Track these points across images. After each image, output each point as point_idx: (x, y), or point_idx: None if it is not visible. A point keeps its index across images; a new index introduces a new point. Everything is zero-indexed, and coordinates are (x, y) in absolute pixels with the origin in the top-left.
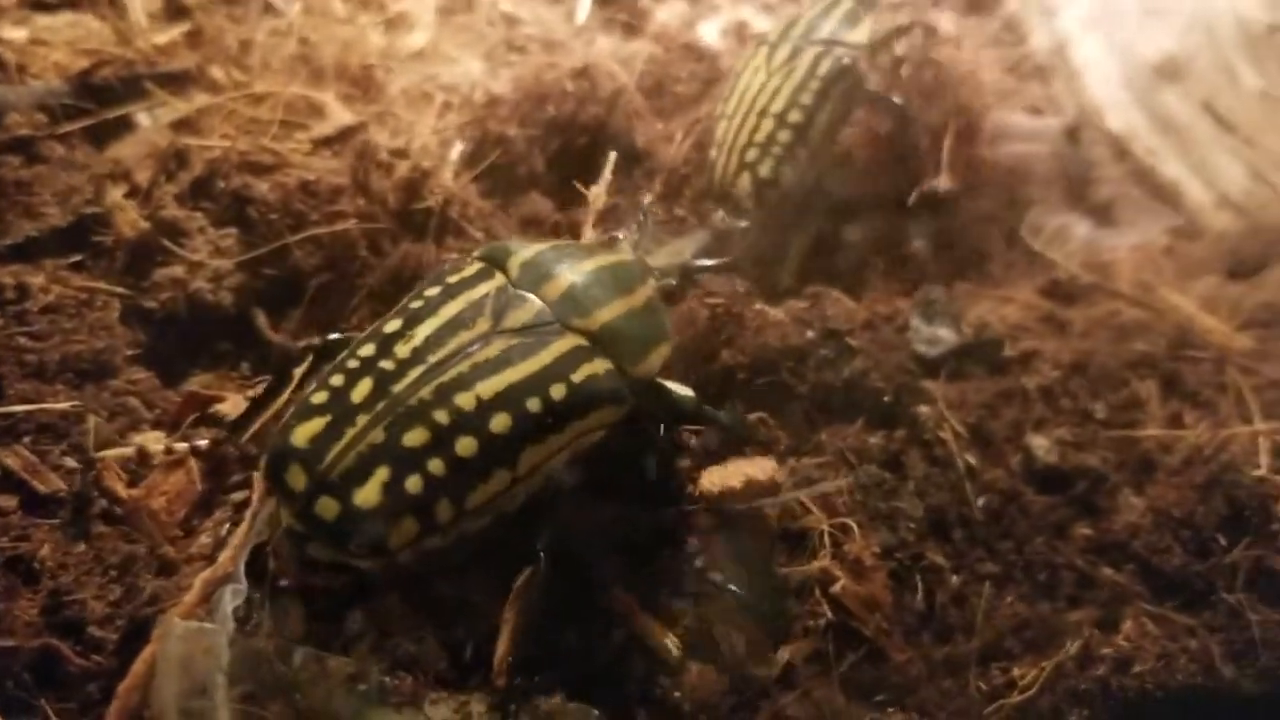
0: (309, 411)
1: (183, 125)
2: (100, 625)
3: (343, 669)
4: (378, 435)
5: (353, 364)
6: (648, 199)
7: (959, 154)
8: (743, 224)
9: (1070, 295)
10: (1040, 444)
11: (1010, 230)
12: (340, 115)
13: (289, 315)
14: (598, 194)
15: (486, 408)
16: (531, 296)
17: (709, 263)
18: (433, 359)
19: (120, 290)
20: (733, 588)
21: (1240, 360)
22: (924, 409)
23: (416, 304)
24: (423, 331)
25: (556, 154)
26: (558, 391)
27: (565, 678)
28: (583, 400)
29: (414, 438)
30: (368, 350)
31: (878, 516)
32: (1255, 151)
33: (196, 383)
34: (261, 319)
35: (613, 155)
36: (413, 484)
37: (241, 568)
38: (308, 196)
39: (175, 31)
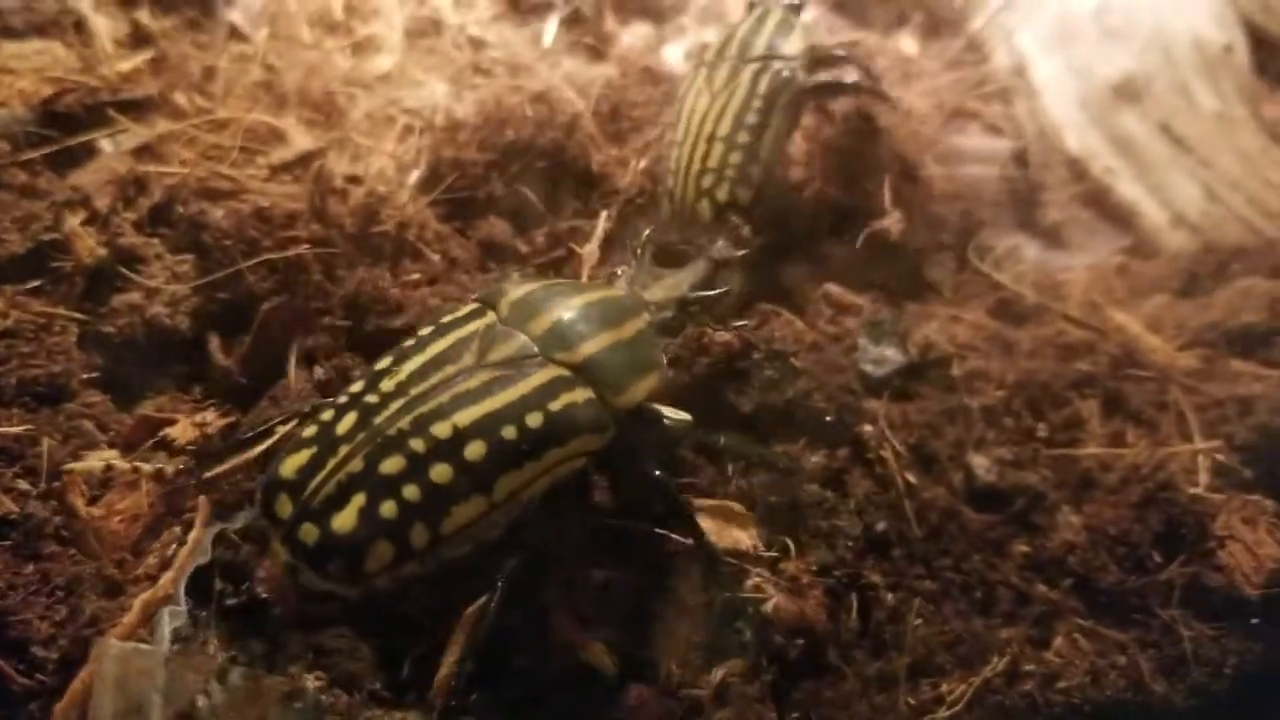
0: (299, 444)
1: (144, 152)
2: (44, 645)
3: (279, 687)
4: (357, 464)
5: (343, 399)
6: (644, 234)
7: (901, 195)
8: (740, 252)
9: (1019, 315)
10: (981, 463)
11: (962, 251)
12: (300, 141)
13: (243, 340)
14: (591, 250)
15: (462, 436)
16: (517, 332)
17: (706, 294)
18: (415, 392)
19: (78, 315)
20: (669, 606)
21: (1183, 379)
22: (867, 428)
23: (409, 342)
24: (409, 367)
25: (515, 177)
26: (534, 420)
27: (504, 698)
28: (561, 428)
29: (390, 465)
30: (358, 386)
31: (817, 535)
32: (1211, 171)
33: (151, 406)
34: (215, 343)
35: (604, 214)
36: (387, 509)
37: (181, 589)
38: (261, 222)
39: (140, 58)
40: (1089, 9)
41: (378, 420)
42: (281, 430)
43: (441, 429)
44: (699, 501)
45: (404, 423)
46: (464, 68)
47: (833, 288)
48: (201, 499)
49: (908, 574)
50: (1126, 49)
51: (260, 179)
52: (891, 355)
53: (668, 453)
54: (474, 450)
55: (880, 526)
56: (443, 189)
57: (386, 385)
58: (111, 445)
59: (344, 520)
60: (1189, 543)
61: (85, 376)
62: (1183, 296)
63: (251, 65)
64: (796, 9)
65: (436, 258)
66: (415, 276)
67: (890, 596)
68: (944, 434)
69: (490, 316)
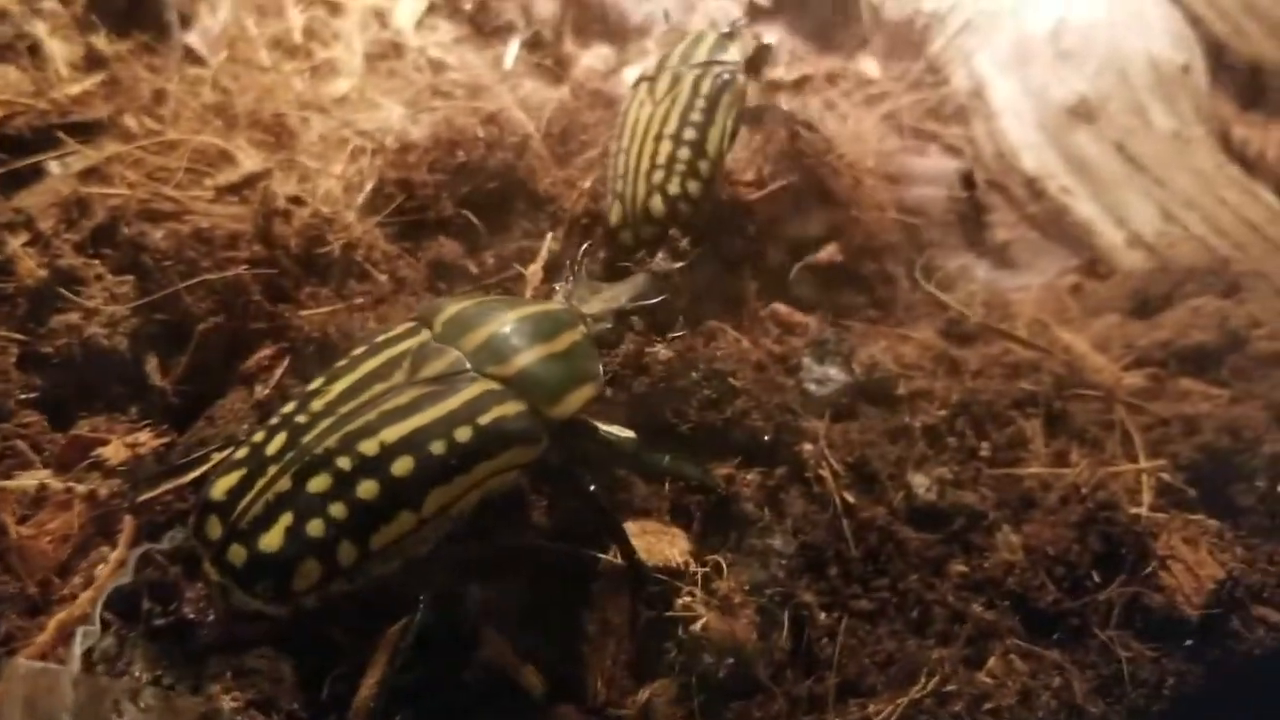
0: (230, 466)
1: (91, 174)
2: None
3: (194, 708)
4: (285, 484)
5: (274, 420)
6: (582, 249)
7: (845, 217)
8: (679, 264)
9: (967, 335)
10: (921, 482)
11: (911, 271)
12: (248, 163)
13: (180, 361)
14: (535, 270)
15: (390, 452)
16: (450, 349)
17: (643, 303)
18: (343, 410)
19: (18, 336)
20: (594, 626)
21: (1128, 399)
22: (808, 447)
23: (342, 362)
24: (339, 386)
25: (465, 198)
26: (463, 434)
27: (428, 717)
28: (490, 441)
29: (317, 484)
30: (290, 407)
31: (751, 553)
32: (1166, 191)
33: (86, 426)
34: (152, 364)
35: (549, 235)
36: (314, 528)
37: (98, 610)
38: (201, 244)
39: (91, 81)
40: (1045, 31)
41: (306, 439)
42: (217, 455)
43: (368, 446)
44: (631, 523)
45: (331, 441)
46: (423, 90)
47: (780, 307)
48: (128, 520)
49: (843, 593)
50: (1082, 70)
51: (205, 200)
52: (835, 375)
53: (605, 469)
54: (401, 466)
55: (817, 545)
56: (392, 210)
57: (316, 405)
58: (46, 465)
59: (271, 540)
60: (1129, 563)
61: (23, 396)
62: (1134, 315)
63: (204, 88)
64: (730, 35)
65: (384, 278)
66: (360, 300)
67: (824, 616)
68: (886, 453)
69: (424, 334)
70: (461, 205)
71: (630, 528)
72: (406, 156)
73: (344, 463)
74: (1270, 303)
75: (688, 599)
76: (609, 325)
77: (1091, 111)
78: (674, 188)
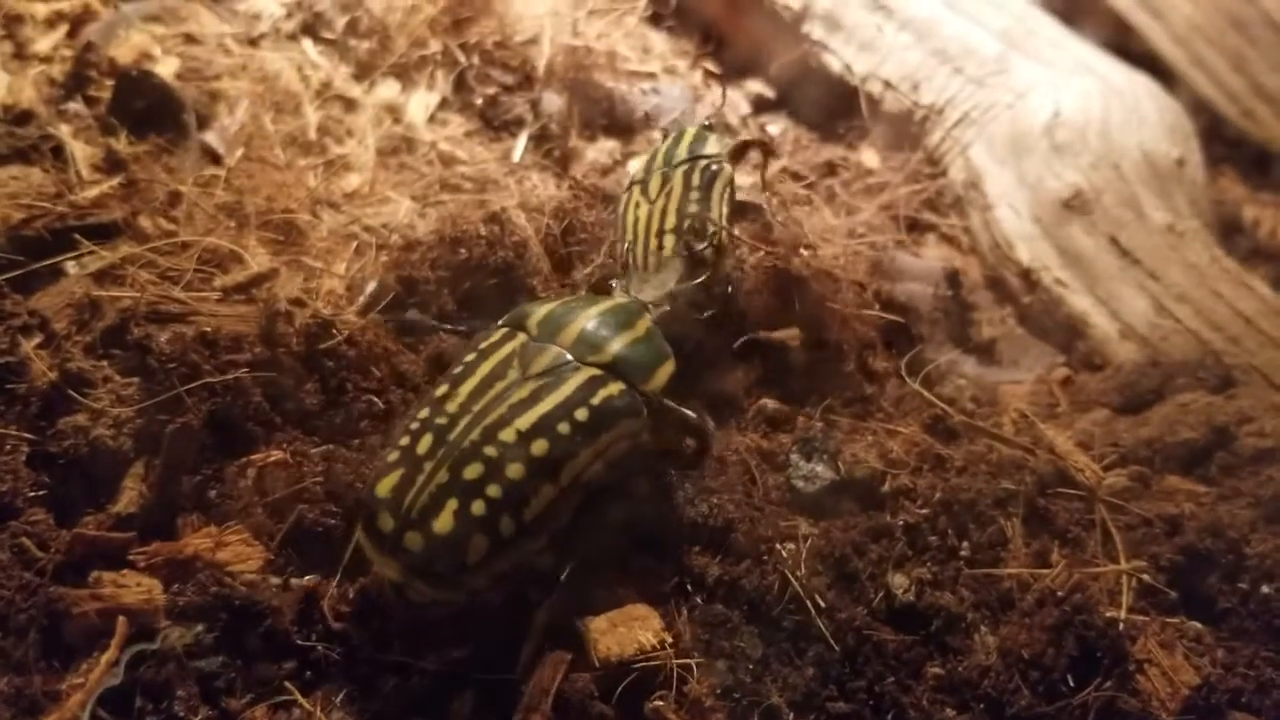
0: (386, 469)
1: (104, 275)
2: None
3: None
4: (443, 476)
5: (414, 425)
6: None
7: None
8: (703, 246)
9: (953, 431)
10: (900, 582)
11: (899, 367)
12: (256, 262)
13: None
14: None
15: (525, 437)
16: (550, 345)
17: (691, 284)
18: (476, 408)
19: (29, 436)
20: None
21: (1110, 498)
22: (789, 546)
23: (458, 369)
24: (465, 389)
25: (467, 295)
26: (581, 415)
27: None
28: (604, 417)
29: (471, 472)
30: (424, 413)
31: (721, 655)
32: (1159, 284)
33: (91, 524)
34: (138, 468)
35: None
36: (477, 508)
37: (87, 712)
38: (204, 346)
39: (110, 183)
40: (1040, 125)
41: (451, 436)
42: None
43: (507, 434)
44: (602, 618)
45: (474, 434)
46: (432, 183)
47: (769, 402)
48: (120, 619)
49: (819, 695)
50: (1076, 164)
51: (212, 301)
52: (822, 471)
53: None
54: (538, 447)
55: (793, 647)
56: (393, 307)
57: (450, 407)
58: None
59: (443, 522)
60: (1105, 667)
61: (31, 494)
62: (1124, 411)
63: (217, 188)
64: (709, 128)
65: (384, 374)
66: (363, 397)
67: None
68: (867, 552)
69: (521, 337)
70: (463, 302)
71: (600, 623)
72: (410, 254)
73: (490, 451)
74: (1262, 397)
75: (658, 703)
76: (667, 308)
77: (1086, 204)
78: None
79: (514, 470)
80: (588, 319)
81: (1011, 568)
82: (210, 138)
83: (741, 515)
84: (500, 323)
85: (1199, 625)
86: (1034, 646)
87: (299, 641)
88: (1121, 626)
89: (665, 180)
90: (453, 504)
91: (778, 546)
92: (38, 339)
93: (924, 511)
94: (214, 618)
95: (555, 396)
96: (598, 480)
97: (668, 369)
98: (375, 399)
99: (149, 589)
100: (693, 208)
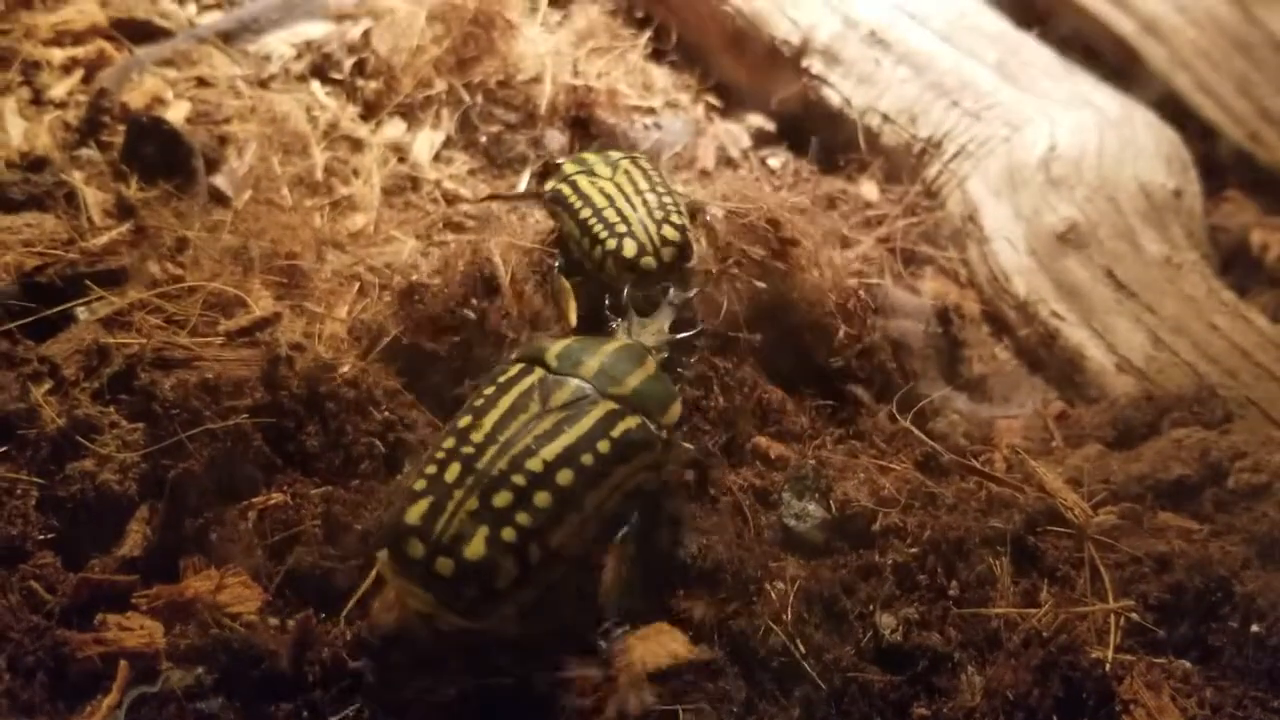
0: (414, 496)
1: (113, 321)
2: None
3: None
4: (473, 503)
5: (440, 455)
6: (625, 294)
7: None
8: (692, 293)
9: (944, 469)
10: (888, 622)
11: (896, 401)
12: (260, 305)
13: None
14: None
15: (551, 467)
16: (570, 378)
17: (685, 335)
18: (502, 439)
19: (38, 480)
20: None
21: (1099, 536)
22: (778, 585)
23: (479, 402)
24: (489, 421)
25: (467, 333)
26: (603, 446)
27: None
28: (624, 449)
29: (500, 500)
30: (450, 443)
31: (703, 697)
32: (1155, 317)
33: (97, 567)
34: (142, 513)
35: None
36: (507, 534)
37: None
38: (205, 393)
39: (120, 230)
40: (1036, 158)
41: (479, 465)
42: None
43: (534, 464)
44: (632, 635)
45: (502, 463)
46: (435, 222)
47: (761, 440)
48: (122, 663)
49: None
50: (1072, 197)
51: (216, 345)
52: (814, 510)
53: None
54: (564, 477)
55: (780, 687)
56: (394, 348)
57: (476, 437)
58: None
59: (474, 548)
60: (1090, 708)
61: (40, 538)
62: (1117, 445)
63: (224, 231)
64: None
65: (385, 415)
66: (362, 439)
67: None
68: (855, 592)
69: (539, 371)
70: (463, 340)
71: (630, 640)
72: (411, 294)
73: (519, 479)
74: (1258, 432)
75: None
76: (666, 354)
77: (1082, 237)
78: (676, 219)
79: (541, 499)
80: (605, 355)
81: (999, 607)
82: (219, 180)
83: (731, 555)
84: (514, 357)
85: (1187, 665)
86: (1020, 687)
87: (296, 683)
88: (1108, 667)
89: (612, 164)
90: (484, 530)
91: (766, 587)
92: (48, 385)
93: (913, 550)
94: (213, 660)
95: (577, 429)
96: (613, 511)
97: (678, 405)
98: (375, 441)
99: (150, 632)
100: (654, 176)
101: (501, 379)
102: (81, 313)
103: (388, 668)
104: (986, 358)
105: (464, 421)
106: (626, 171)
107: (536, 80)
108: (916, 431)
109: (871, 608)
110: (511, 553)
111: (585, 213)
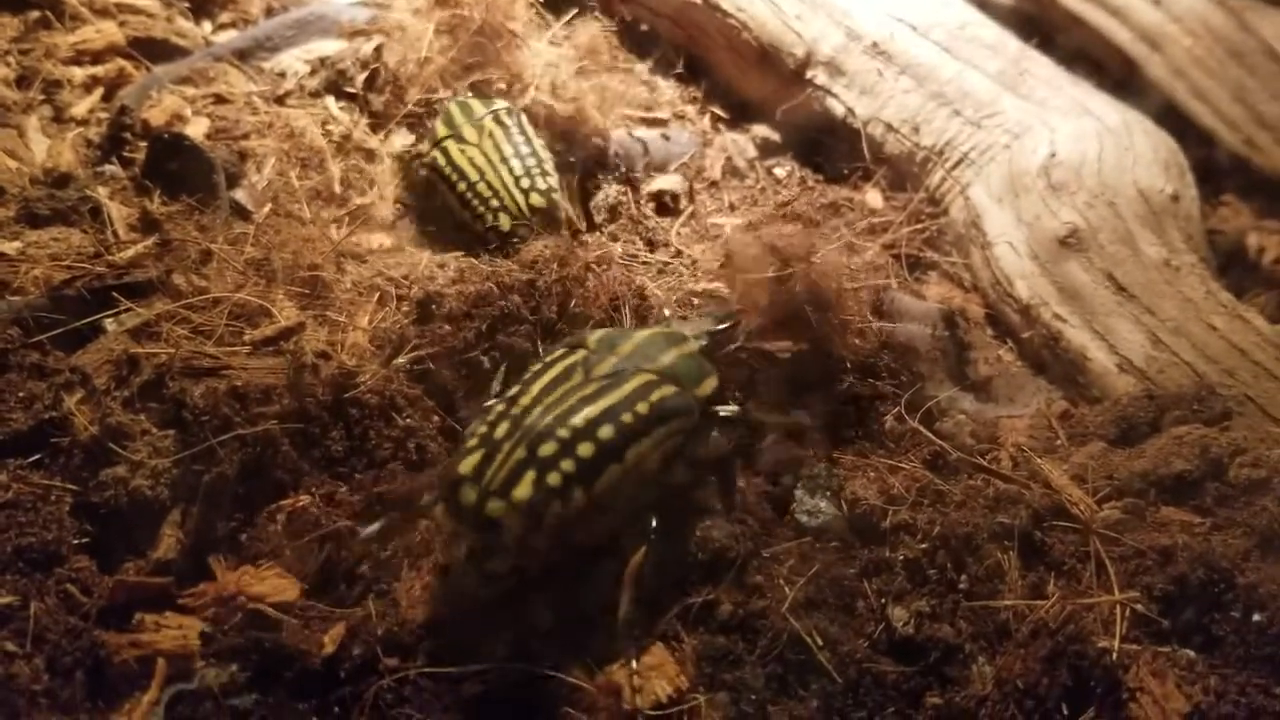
0: (467, 452)
1: (141, 332)
2: None
3: None
4: (521, 453)
5: (491, 417)
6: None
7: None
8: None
9: (952, 467)
10: (900, 615)
11: (904, 403)
12: (283, 316)
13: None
14: None
15: (593, 423)
16: (608, 357)
17: (723, 326)
18: (548, 400)
19: (72, 487)
20: None
21: (1105, 530)
22: (793, 580)
23: (527, 375)
24: (536, 387)
25: (486, 339)
26: (641, 408)
27: None
28: (661, 412)
29: (546, 450)
30: (500, 407)
31: (724, 688)
32: (1155, 318)
33: (132, 569)
34: (174, 516)
35: None
36: (553, 479)
37: None
38: (235, 400)
39: (145, 243)
40: (1037, 165)
41: (527, 422)
42: None
43: (577, 420)
44: (621, 668)
45: (548, 419)
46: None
47: (776, 440)
48: (159, 661)
49: None
50: (1073, 202)
51: (243, 355)
52: (826, 507)
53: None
54: (605, 431)
55: (797, 679)
56: (416, 356)
57: (524, 400)
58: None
59: (522, 491)
60: (1098, 696)
61: (75, 542)
62: (1120, 443)
63: (247, 244)
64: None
65: (409, 421)
66: (386, 445)
67: None
68: (868, 586)
69: (581, 352)
70: (486, 350)
71: (621, 673)
72: (429, 305)
73: (563, 433)
74: (1256, 428)
75: None
76: (705, 342)
77: (1083, 242)
78: (541, 184)
79: (584, 449)
80: (640, 339)
81: (1008, 600)
82: (240, 194)
83: (746, 549)
84: (558, 346)
85: (1191, 654)
86: (1029, 676)
87: (328, 679)
88: (1114, 656)
89: (479, 129)
90: (531, 475)
91: (781, 582)
92: (79, 394)
93: (923, 546)
94: (247, 658)
95: (618, 393)
96: (652, 471)
97: (713, 381)
98: (397, 445)
99: (186, 632)
100: (516, 136)
101: (548, 358)
102: (110, 324)
103: (419, 661)
104: (991, 360)
105: (513, 391)
106: (491, 134)
107: (540, 90)
108: (925, 431)
109: (884, 601)
110: (557, 495)
111: (461, 186)
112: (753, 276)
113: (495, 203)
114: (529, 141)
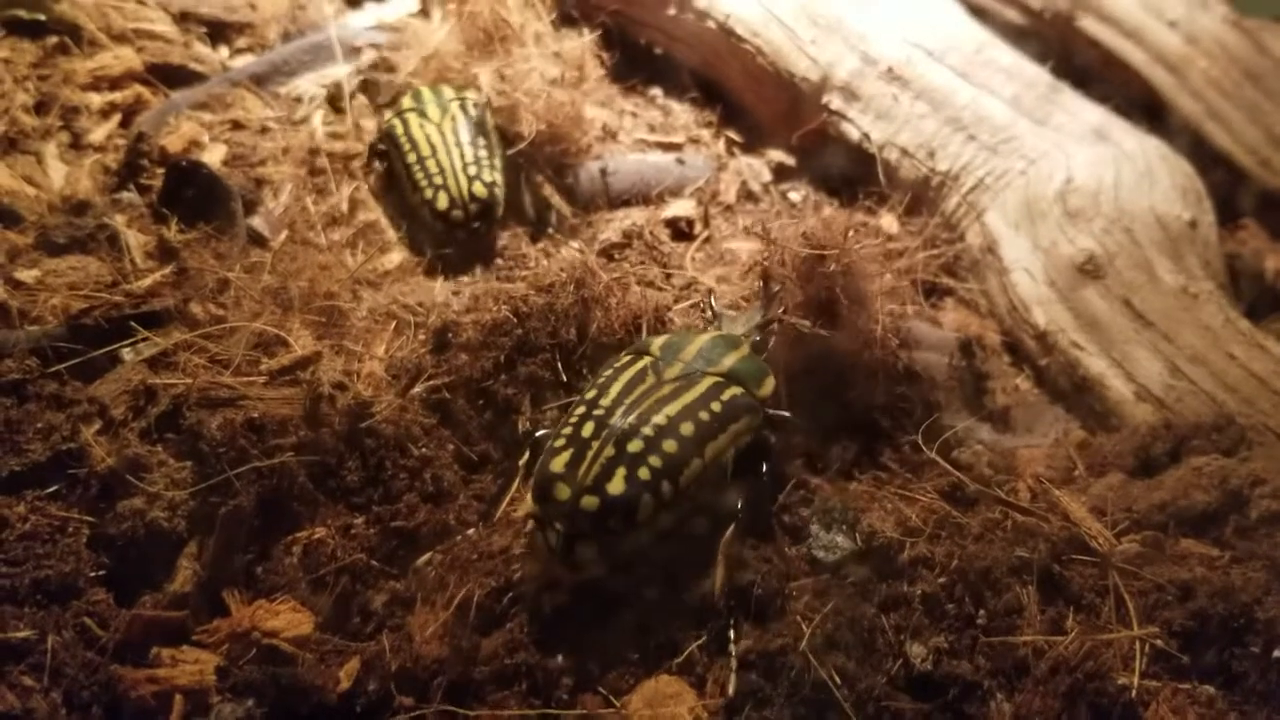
0: (556, 451)
1: (158, 361)
2: None
3: None
4: (610, 451)
5: (574, 419)
6: (710, 294)
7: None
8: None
9: (969, 499)
10: (918, 652)
11: (921, 432)
12: (300, 346)
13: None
14: None
15: (674, 421)
16: (674, 361)
17: (766, 321)
18: (628, 400)
19: (89, 519)
20: None
21: (1123, 564)
22: (810, 616)
23: (601, 379)
24: (614, 389)
25: (501, 369)
26: (715, 407)
27: None
28: (732, 410)
29: (633, 447)
30: (581, 410)
31: None
32: (1173, 346)
33: (149, 602)
34: (191, 548)
35: None
36: (643, 474)
37: None
38: (251, 431)
39: (162, 272)
40: (1053, 190)
41: (612, 421)
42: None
43: (659, 418)
44: (637, 695)
45: (632, 418)
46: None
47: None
48: (177, 697)
49: None
50: (1090, 228)
51: (259, 384)
52: (842, 542)
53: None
54: (686, 429)
55: (815, 715)
56: (433, 385)
57: (604, 402)
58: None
59: (615, 486)
60: None
61: (92, 575)
62: (1138, 474)
63: (263, 272)
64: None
65: (425, 450)
66: (402, 475)
67: None
68: (885, 622)
69: (648, 359)
70: (505, 381)
71: (636, 702)
72: (445, 333)
73: (648, 430)
74: (1277, 458)
75: None
76: (755, 338)
77: (1100, 268)
78: (486, 176)
79: (669, 445)
80: (701, 343)
81: (1026, 635)
82: (257, 222)
83: (765, 586)
84: (624, 353)
85: (1211, 690)
86: (1048, 713)
87: (344, 714)
88: (1134, 693)
89: (443, 110)
90: (622, 471)
91: (798, 618)
92: (97, 425)
93: (941, 580)
94: (263, 693)
95: (692, 394)
96: (727, 463)
97: (772, 380)
98: (413, 475)
99: (202, 667)
100: (475, 126)
101: (617, 364)
102: (127, 354)
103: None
104: (1009, 388)
105: (590, 394)
106: (454, 117)
107: (551, 110)
108: (942, 462)
109: (901, 637)
110: (647, 489)
111: (411, 158)
112: (793, 251)
113: (439, 180)
114: (486, 135)
